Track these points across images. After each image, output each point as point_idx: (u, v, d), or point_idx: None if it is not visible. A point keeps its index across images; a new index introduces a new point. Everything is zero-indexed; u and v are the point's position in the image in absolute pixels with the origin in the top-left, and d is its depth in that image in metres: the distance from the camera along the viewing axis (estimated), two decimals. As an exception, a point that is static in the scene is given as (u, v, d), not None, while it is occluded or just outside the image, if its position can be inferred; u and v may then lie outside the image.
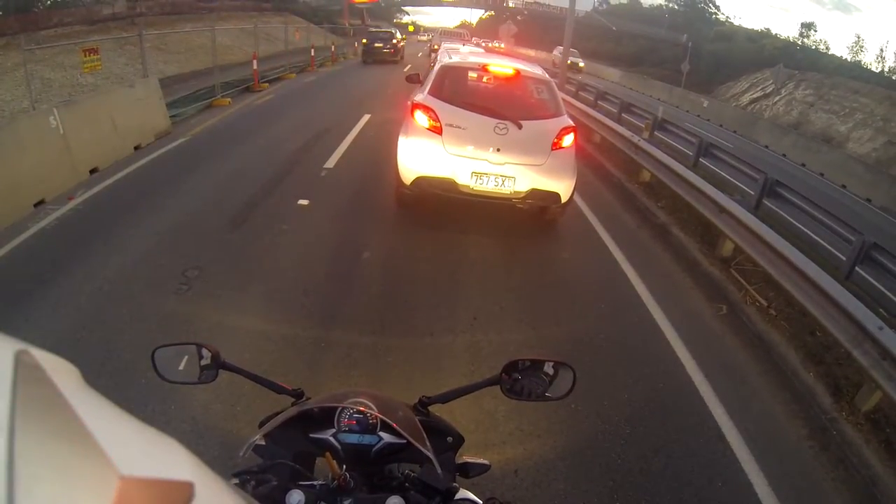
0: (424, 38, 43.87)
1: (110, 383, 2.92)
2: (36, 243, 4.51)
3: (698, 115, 23.16)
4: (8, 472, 0.21)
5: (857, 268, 4.75)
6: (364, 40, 22.87)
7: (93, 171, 6.11)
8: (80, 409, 0.26)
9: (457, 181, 5.05)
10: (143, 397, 2.78)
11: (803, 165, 16.24)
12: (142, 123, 7.57)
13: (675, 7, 56.90)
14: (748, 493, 2.89)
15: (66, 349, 3.11)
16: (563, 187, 5.19)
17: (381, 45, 21.91)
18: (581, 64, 35.75)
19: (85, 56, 7.49)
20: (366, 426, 1.12)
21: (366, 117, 10.17)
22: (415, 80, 6.55)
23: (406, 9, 70.39)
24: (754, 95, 32.81)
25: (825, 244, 5.35)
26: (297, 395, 1.21)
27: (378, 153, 7.42)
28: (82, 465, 0.24)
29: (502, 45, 24.49)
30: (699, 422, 3.34)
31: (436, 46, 20.09)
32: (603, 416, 3.18)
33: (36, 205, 5.10)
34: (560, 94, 5.66)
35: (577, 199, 6.12)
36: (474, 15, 74.33)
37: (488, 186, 5.06)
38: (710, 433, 3.25)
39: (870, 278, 4.65)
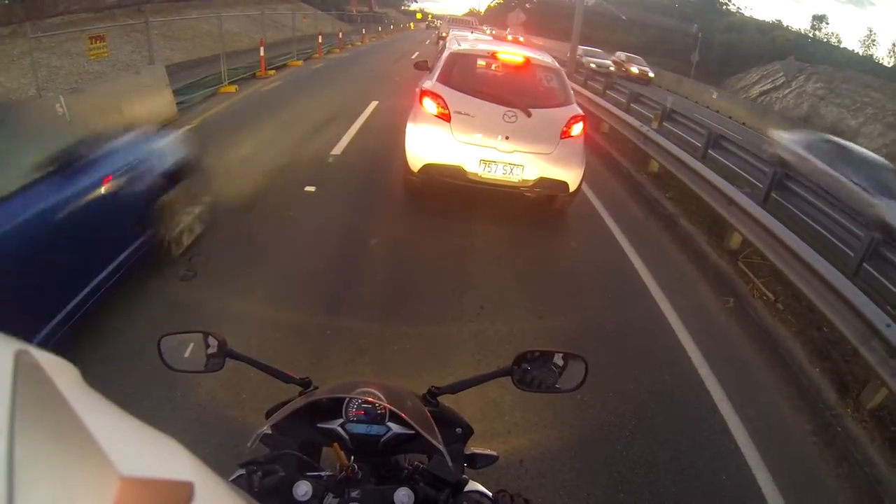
0: (438, 22, 45.66)
1: (116, 371, 2.93)
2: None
3: (707, 107, 22.95)
4: (8, 472, 0.21)
5: (864, 264, 4.72)
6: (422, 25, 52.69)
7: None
8: (80, 409, 0.25)
9: (465, 169, 5.03)
10: (149, 385, 2.79)
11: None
12: (148, 111, 7.56)
13: (686, -4, 56.36)
14: (752, 487, 2.89)
15: (69, 337, 3.11)
16: (571, 176, 5.17)
17: (433, 23, 44.76)
18: (650, 74, 27.77)
19: (91, 43, 7.48)
20: (374, 416, 1.11)
21: (373, 104, 10.14)
22: (423, 67, 6.52)
23: (414, -4, 70.39)
24: (764, 87, 32.51)
25: (833, 239, 5.32)
26: (305, 384, 1.21)
27: (386, 140, 7.41)
28: (82, 465, 0.24)
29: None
30: (705, 415, 3.33)
31: (444, 34, 20.11)
32: (609, 407, 3.18)
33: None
34: (569, 83, 5.62)
35: (585, 188, 6.10)
36: (483, 3, 73.97)
37: (496, 174, 5.05)
38: (715, 426, 3.25)
39: (878, 275, 4.62)
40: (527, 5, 46.06)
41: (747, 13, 54.52)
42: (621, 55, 28.78)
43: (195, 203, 4.29)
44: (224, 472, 0.57)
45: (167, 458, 0.29)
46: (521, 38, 21.42)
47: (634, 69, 26.95)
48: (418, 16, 58.76)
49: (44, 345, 1.76)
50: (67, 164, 2.88)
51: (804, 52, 35.68)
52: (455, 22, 35.73)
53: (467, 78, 5.22)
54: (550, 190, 5.23)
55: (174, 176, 3.89)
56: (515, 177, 5.06)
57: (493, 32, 30.91)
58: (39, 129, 3.30)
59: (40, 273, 2.61)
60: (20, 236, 2.44)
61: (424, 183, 5.32)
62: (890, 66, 41.50)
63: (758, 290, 4.94)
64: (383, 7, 53.43)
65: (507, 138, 4.95)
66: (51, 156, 2.80)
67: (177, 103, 8.57)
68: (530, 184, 5.10)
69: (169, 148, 4.03)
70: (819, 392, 3.75)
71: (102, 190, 3.09)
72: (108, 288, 3.13)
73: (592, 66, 23.08)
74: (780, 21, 50.87)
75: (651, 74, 27.67)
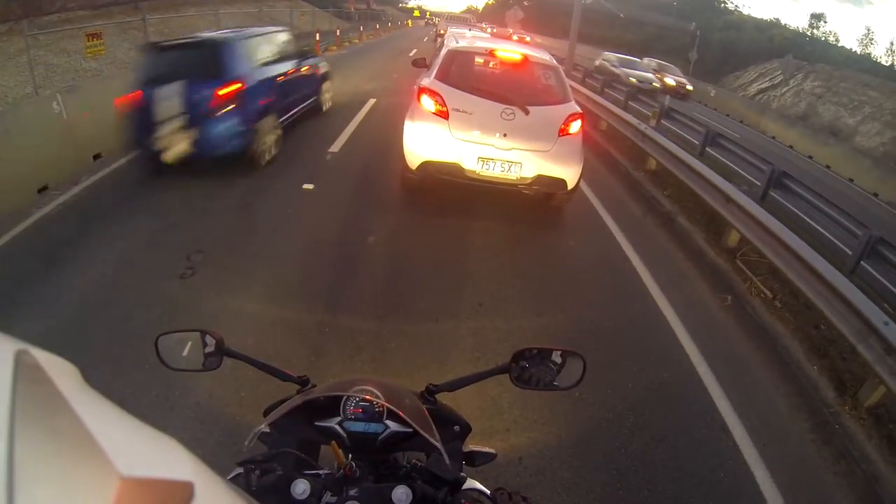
0: (436, 20, 45.56)
1: (114, 370, 2.94)
2: (40, 229, 4.52)
3: (705, 104, 22.90)
4: (8, 472, 0.21)
5: (862, 262, 4.73)
6: (421, 23, 53.07)
7: (96, 157, 6.10)
8: (80, 409, 0.25)
9: (463, 166, 5.03)
10: (147, 384, 2.80)
11: (810, 157, 16.13)
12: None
13: (684, -6, 56.34)
14: (750, 484, 2.90)
15: (69, 337, 3.13)
16: (569, 174, 5.17)
17: (431, 20, 44.77)
18: (688, 86, 22.74)
19: (88, 41, 7.48)
20: (372, 414, 1.11)
21: (371, 102, 10.13)
22: (421, 64, 6.53)
23: (412, -7, 70.41)
24: (762, 86, 32.53)
25: (831, 237, 5.32)
26: (303, 382, 1.21)
27: (383, 138, 7.40)
28: (82, 465, 0.24)
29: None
30: (703, 412, 3.34)
31: (442, 31, 20.05)
32: (607, 404, 3.19)
33: (40, 191, 5.10)
34: (568, 81, 5.62)
35: (583, 185, 6.09)
36: (480, 0, 73.99)
37: (494, 172, 5.05)
38: (713, 424, 3.26)
39: (875, 273, 4.62)
40: (525, 2, 45.98)
41: (745, 11, 54.52)
42: (651, 62, 23.66)
43: (329, 93, 9.21)
44: (222, 471, 0.57)
45: (167, 458, 0.29)
46: (528, 38, 21.12)
47: (669, 80, 21.94)
48: (416, 13, 58.53)
49: (292, 115, 7.63)
50: (299, 56, 7.72)
51: (802, 51, 35.70)
52: (453, 19, 35.75)
53: (465, 75, 5.22)
54: (548, 188, 5.22)
55: (326, 76, 8.97)
56: (513, 174, 5.06)
57: (495, 31, 30.57)
58: (291, 43, 7.70)
59: (292, 94, 7.14)
60: (290, 79, 7.05)
61: (422, 180, 5.31)
62: (888, 64, 41.56)
63: (756, 287, 4.95)
64: (381, 4, 53.37)
65: (505, 136, 4.94)
66: (295, 52, 7.68)
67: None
68: (528, 181, 5.10)
69: (325, 64, 9.20)
70: (817, 390, 3.77)
71: (308, 69, 7.95)
72: (306, 111, 7.83)
73: (633, 80, 17.64)
74: (778, 19, 50.97)
75: (689, 87, 22.61)
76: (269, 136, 6.27)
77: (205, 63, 5.67)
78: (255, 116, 5.90)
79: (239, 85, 5.64)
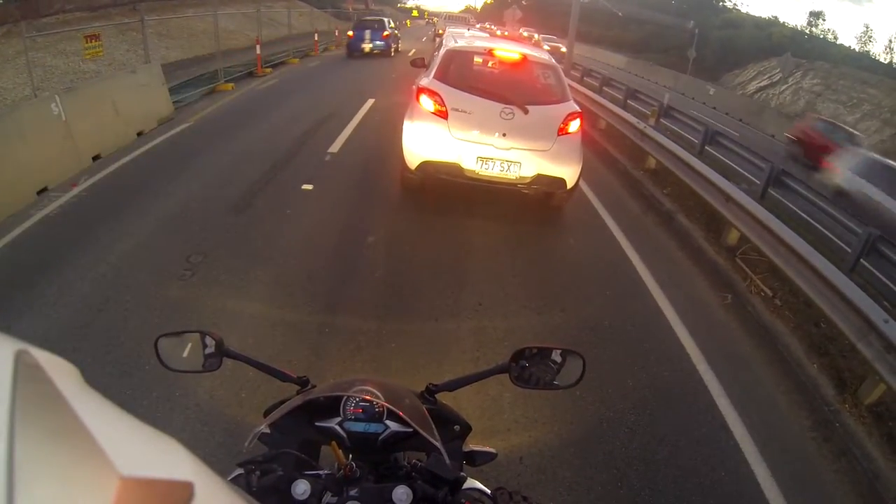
0: (435, 19, 45.07)
1: (114, 372, 2.94)
2: (39, 231, 4.51)
3: (703, 103, 22.89)
4: (8, 472, 0.21)
5: (862, 260, 4.73)
6: (421, 22, 55.26)
7: (95, 158, 6.10)
8: (80, 409, 0.25)
9: (462, 166, 5.03)
10: (147, 385, 2.80)
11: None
12: (144, 109, 7.53)
13: (682, -7, 56.32)
14: (751, 482, 2.90)
15: (69, 338, 3.13)
16: (568, 173, 5.17)
17: (431, 20, 49.09)
18: None
19: (86, 42, 7.47)
20: (372, 414, 1.11)
21: (370, 102, 10.12)
22: (420, 64, 6.52)
23: (410, -8, 70.44)
24: (761, 84, 32.53)
25: (831, 235, 5.33)
26: (303, 382, 1.21)
27: (382, 138, 7.40)
28: (82, 465, 0.24)
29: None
30: (703, 411, 3.34)
31: (440, 31, 20.23)
32: (607, 403, 3.19)
33: (39, 192, 5.09)
34: (566, 80, 5.61)
35: (582, 185, 6.08)
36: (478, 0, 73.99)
37: (494, 171, 5.04)
38: (713, 422, 3.25)
39: (875, 271, 4.63)
40: (523, 1, 45.92)
41: (744, 9, 54.69)
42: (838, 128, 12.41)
43: (400, 44, 22.74)
44: (222, 472, 0.57)
45: (167, 458, 0.29)
46: (563, 48, 20.80)
47: None
48: (414, 13, 58.56)
49: (393, 46, 21.76)
50: (394, 28, 22.03)
51: (801, 49, 35.79)
52: (451, 19, 35.60)
53: (464, 75, 5.21)
54: (548, 187, 5.22)
55: (398, 37, 22.57)
56: (513, 174, 5.06)
57: (505, 33, 29.73)
58: (392, 22, 22.74)
59: (394, 39, 21.37)
60: (394, 34, 21.66)
61: (422, 180, 5.31)
62: (886, 62, 41.63)
63: (756, 286, 4.95)
64: (379, 4, 53.35)
65: (504, 135, 4.94)
66: (393, 26, 22.03)
67: (173, 102, 8.55)
68: (527, 181, 5.09)
69: (398, 32, 23.21)
70: (817, 388, 3.77)
71: (395, 32, 22.10)
72: (395, 47, 21.28)
73: None
74: (776, 17, 51.06)
75: None
76: (394, 49, 20.22)
77: (379, 24, 19.86)
78: (391, 43, 19.93)
79: (388, 32, 19.80)
